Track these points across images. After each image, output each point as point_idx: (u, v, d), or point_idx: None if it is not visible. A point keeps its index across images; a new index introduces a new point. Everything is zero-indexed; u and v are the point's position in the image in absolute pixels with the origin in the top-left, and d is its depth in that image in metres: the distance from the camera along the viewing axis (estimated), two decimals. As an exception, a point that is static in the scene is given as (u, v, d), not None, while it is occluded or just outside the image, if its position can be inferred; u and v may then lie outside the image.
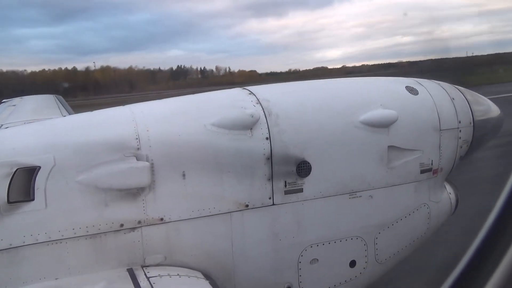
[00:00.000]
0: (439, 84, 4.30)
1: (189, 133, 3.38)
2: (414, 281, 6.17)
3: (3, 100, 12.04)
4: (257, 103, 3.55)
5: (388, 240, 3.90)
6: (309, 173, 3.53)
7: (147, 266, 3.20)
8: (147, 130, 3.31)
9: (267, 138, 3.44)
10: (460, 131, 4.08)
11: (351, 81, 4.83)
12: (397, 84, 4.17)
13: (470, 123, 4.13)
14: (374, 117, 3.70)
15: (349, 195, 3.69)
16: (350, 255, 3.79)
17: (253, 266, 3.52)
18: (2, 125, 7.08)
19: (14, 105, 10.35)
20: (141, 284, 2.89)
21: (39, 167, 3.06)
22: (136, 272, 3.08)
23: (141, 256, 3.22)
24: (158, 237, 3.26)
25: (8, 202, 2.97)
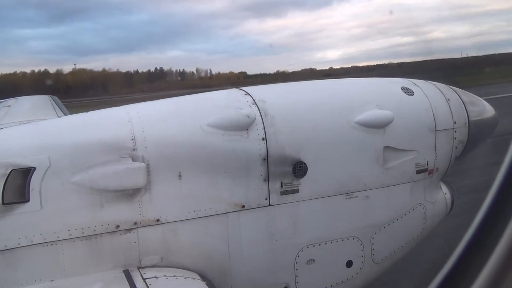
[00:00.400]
0: (434, 84, 4.32)
1: (185, 133, 3.38)
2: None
3: None
4: (253, 104, 3.55)
5: (384, 240, 3.91)
6: (305, 174, 3.54)
7: (144, 267, 3.19)
8: (143, 131, 3.31)
9: (263, 139, 3.44)
10: (455, 131, 4.10)
11: (347, 81, 4.85)
12: (393, 84, 4.19)
13: (465, 123, 4.16)
14: (370, 117, 3.71)
15: (345, 195, 3.70)
16: (347, 255, 3.80)
17: (249, 266, 3.52)
18: (-3, 126, 7.03)
19: (9, 106, 10.29)
20: (137, 285, 2.88)
21: (34, 168, 3.05)
22: (132, 273, 3.07)
23: (137, 257, 3.21)
24: (154, 238, 3.25)
25: (3, 203, 2.95)
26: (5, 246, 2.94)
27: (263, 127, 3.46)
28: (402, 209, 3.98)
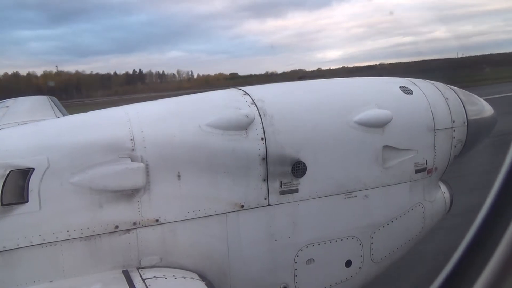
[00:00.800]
0: (433, 84, 4.33)
1: (184, 134, 3.37)
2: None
3: None
4: (252, 104, 3.54)
5: (384, 239, 3.92)
6: (304, 173, 3.54)
7: (143, 267, 3.18)
8: (142, 131, 3.30)
9: (262, 139, 3.44)
10: (454, 130, 4.11)
11: (346, 81, 4.85)
12: (392, 84, 4.19)
13: (464, 122, 4.16)
14: (369, 117, 3.71)
15: (345, 195, 3.70)
16: (346, 255, 3.80)
17: (249, 266, 3.52)
18: (-5, 126, 7.01)
19: (7, 107, 10.26)
20: (137, 285, 2.87)
21: (33, 169, 3.04)
22: (131, 274, 3.06)
23: (137, 258, 3.20)
24: (154, 238, 3.25)
25: (2, 204, 2.94)
26: (4, 247, 2.93)
27: (262, 127, 3.46)
28: (401, 208, 3.98)
